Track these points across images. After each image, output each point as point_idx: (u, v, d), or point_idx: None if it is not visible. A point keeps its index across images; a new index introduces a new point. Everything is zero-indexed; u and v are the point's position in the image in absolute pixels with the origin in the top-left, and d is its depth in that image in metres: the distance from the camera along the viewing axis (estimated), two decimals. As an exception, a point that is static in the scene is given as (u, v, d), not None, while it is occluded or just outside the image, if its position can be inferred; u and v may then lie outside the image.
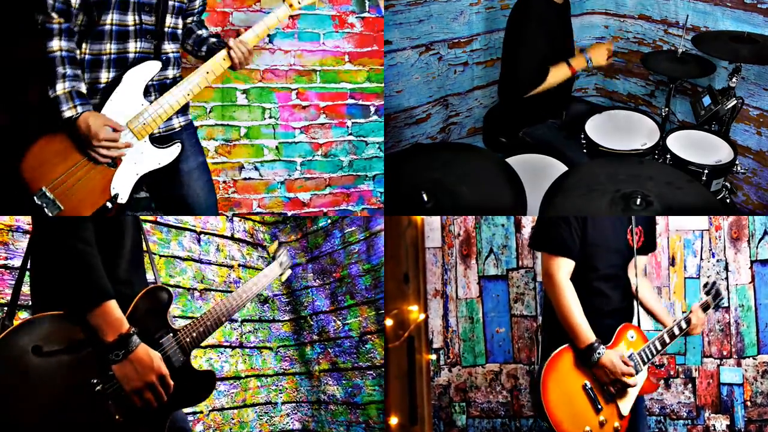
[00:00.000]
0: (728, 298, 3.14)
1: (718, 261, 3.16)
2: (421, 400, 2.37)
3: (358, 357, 3.34)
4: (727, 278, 3.15)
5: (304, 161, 3.55)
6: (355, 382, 3.36)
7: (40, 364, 1.46)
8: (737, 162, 3.11)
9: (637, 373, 2.19)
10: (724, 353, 3.14)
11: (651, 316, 2.49)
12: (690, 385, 3.16)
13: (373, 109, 3.57)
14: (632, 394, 2.19)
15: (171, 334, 1.72)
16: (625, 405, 2.17)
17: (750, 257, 3.14)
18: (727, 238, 3.15)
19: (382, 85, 3.56)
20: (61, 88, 2.16)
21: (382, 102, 3.58)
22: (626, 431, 2.19)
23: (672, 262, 3.20)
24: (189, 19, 2.54)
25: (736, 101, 3.25)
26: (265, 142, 3.46)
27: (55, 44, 2.17)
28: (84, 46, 2.25)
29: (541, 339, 2.35)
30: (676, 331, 2.35)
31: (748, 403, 3.08)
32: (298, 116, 3.47)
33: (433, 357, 3.34)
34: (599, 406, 2.13)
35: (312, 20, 3.39)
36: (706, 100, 3.34)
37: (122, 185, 2.30)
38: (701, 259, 3.18)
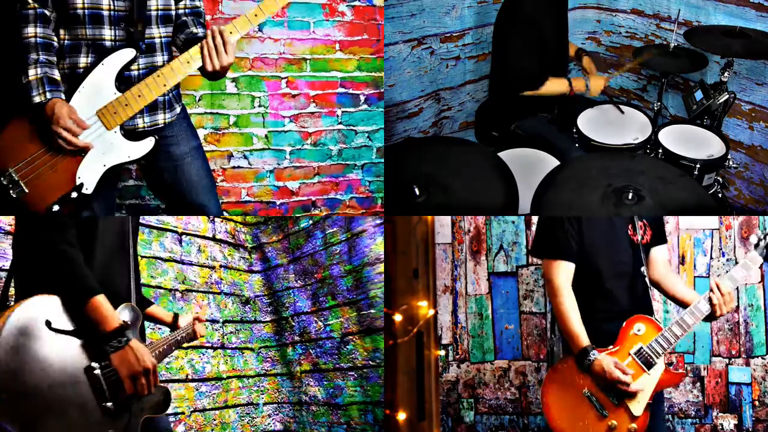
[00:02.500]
0: (738, 298, 3.12)
1: (728, 260, 3.15)
2: (429, 396, 2.36)
3: (340, 358, 3.33)
4: None
5: (294, 150, 3.53)
6: (336, 383, 3.34)
7: (49, 338, 1.53)
8: (729, 156, 3.11)
9: (648, 367, 2.09)
10: (733, 352, 3.13)
11: (679, 304, 2.33)
12: (698, 384, 3.15)
13: (363, 98, 3.55)
14: (643, 393, 2.08)
15: None
16: (637, 405, 2.07)
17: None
18: (737, 237, 3.14)
19: (373, 74, 3.54)
20: (33, 73, 2.12)
21: (373, 91, 3.56)
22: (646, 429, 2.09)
23: (682, 260, 3.19)
24: (181, 3, 2.38)
25: (728, 96, 3.25)
26: (255, 131, 3.44)
27: (31, 30, 2.14)
28: (62, 31, 2.20)
29: (555, 346, 2.28)
30: (699, 312, 2.14)
31: (757, 403, 3.07)
32: (288, 105, 3.45)
33: (442, 353, 3.33)
34: (604, 412, 2.07)
35: (302, 9, 3.36)
36: (698, 95, 3.34)
37: (88, 175, 2.22)
38: (711, 258, 3.17)
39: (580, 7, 4.47)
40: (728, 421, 3.11)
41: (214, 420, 3.37)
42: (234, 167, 3.46)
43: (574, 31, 4.32)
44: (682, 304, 2.28)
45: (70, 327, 1.58)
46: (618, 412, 2.07)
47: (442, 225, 3.33)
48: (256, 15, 2.28)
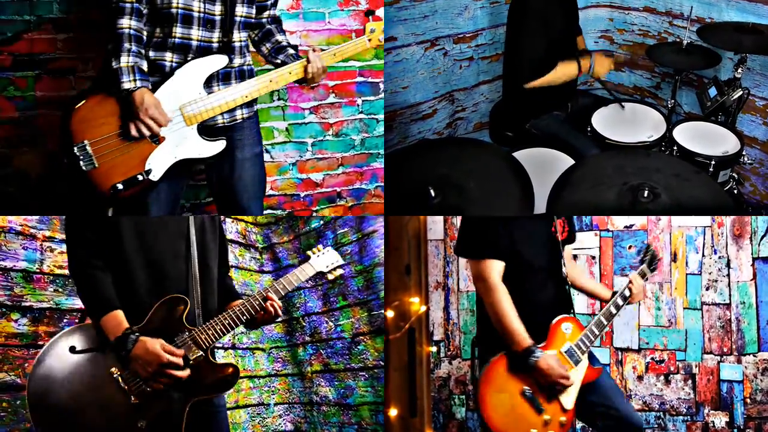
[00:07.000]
0: (729, 295, 3.14)
1: (720, 258, 3.16)
2: (421, 392, 2.39)
3: (351, 358, 3.34)
4: (728, 275, 3.14)
5: (315, 141, 3.52)
6: (347, 384, 3.35)
7: (74, 359, 1.80)
8: (744, 153, 3.11)
9: (576, 364, 2.19)
10: (725, 350, 3.13)
11: (589, 296, 2.60)
12: (690, 382, 3.16)
13: (382, 86, 3.54)
14: (573, 387, 2.19)
15: (186, 333, 1.88)
16: (568, 399, 2.18)
17: (752, 254, 3.12)
18: (729, 235, 3.15)
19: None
20: (124, 61, 2.24)
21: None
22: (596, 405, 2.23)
23: (674, 258, 3.20)
24: (265, 13, 2.59)
25: (742, 92, 3.25)
26: (275, 124, 3.43)
27: (125, 22, 2.27)
28: (153, 27, 2.34)
29: (477, 351, 2.33)
30: (614, 307, 2.36)
31: (748, 401, 3.07)
32: (307, 97, 3.44)
33: (434, 349, 3.34)
34: (541, 408, 2.14)
35: (317, -1, 3.35)
36: (712, 92, 3.34)
37: (158, 163, 2.36)
38: (703, 255, 3.18)
39: (593, 6, 4.47)
40: (720, 419, 3.11)
41: (225, 420, 3.40)
42: (256, 161, 3.47)
43: (586, 30, 4.32)
44: (589, 294, 2.56)
45: (93, 344, 1.82)
46: (552, 406, 2.16)
47: (434, 221, 3.33)
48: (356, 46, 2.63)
